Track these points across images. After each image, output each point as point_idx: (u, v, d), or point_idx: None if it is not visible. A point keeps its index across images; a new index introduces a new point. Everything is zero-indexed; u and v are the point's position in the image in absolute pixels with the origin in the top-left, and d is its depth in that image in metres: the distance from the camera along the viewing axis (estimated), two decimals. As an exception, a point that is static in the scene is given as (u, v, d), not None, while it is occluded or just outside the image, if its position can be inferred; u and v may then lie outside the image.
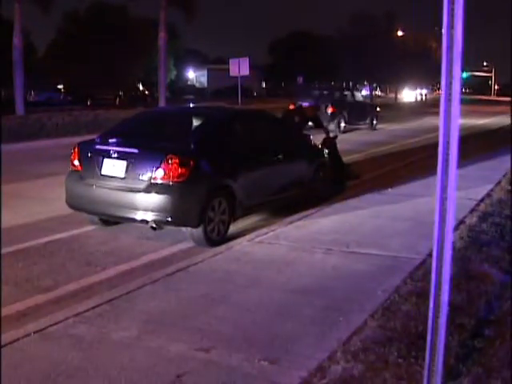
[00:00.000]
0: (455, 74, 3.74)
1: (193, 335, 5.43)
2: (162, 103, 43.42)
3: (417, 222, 9.69)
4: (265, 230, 9.41)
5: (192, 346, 5.20)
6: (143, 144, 9.04)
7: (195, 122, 9.90)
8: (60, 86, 75.87)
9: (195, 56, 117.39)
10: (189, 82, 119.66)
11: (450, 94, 3.75)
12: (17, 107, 35.34)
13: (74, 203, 9.39)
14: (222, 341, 5.32)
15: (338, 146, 13.98)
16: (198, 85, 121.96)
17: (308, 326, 5.67)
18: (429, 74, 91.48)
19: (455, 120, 3.82)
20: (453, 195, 3.87)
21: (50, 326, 5.67)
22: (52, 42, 78.68)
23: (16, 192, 12.82)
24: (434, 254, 3.96)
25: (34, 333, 5.49)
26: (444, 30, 3.60)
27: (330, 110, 28.86)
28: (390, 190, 12.76)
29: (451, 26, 3.60)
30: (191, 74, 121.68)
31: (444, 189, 3.86)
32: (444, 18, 3.60)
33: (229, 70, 37.70)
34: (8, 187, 13.26)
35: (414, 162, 18.27)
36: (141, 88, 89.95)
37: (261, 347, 5.19)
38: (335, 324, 5.66)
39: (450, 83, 3.74)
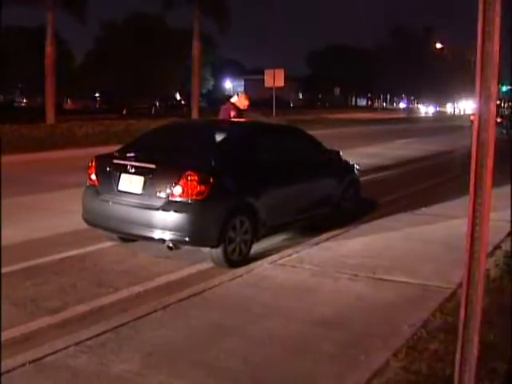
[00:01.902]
0: (491, 93, 3.27)
1: (198, 371, 5.00)
2: (194, 114, 43.28)
3: (451, 247, 9.13)
4: (289, 251, 8.95)
5: (195, 385, 4.77)
6: (162, 159, 8.65)
7: (218, 137, 9.50)
8: (97, 95, 76.43)
9: (233, 66, 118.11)
10: (226, 93, 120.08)
11: (484, 115, 3.28)
12: (47, 115, 35.41)
13: (90, 219, 9.04)
14: (228, 379, 4.88)
15: (368, 160, 13.53)
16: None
17: (325, 364, 5.19)
18: (468, 87, 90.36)
19: (491, 144, 3.36)
20: (486, 227, 3.40)
21: (49, 355, 5.27)
22: (90, 51, 79.45)
23: (38, 203, 12.61)
24: (463, 298, 3.48)
25: (30, 362, 5.10)
26: (478, 43, 3.14)
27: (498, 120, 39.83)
28: (424, 209, 12.23)
29: (487, 38, 3.12)
30: (228, 84, 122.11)
31: (475, 218, 3.40)
32: (478, 29, 3.13)
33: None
34: (31, 198, 13.10)
35: (452, 178, 17.67)
36: (178, 97, 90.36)
37: (270, 389, 4.75)
38: (355, 363, 5.18)
39: (486, 103, 3.28)
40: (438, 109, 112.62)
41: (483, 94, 3.24)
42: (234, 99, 13.03)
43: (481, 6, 3.11)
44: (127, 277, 7.89)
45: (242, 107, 12.78)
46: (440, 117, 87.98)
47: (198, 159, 8.62)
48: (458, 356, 3.47)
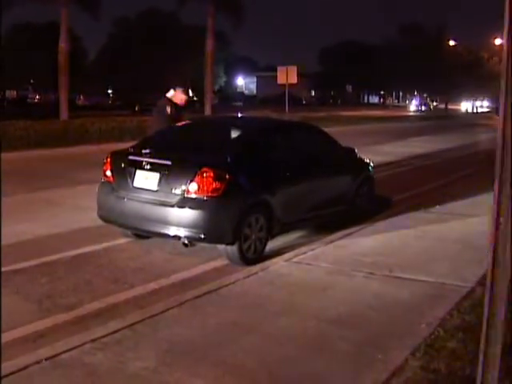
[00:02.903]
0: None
1: (215, 369, 4.97)
2: (207, 111, 43.30)
3: (466, 245, 9.11)
4: (304, 249, 8.90)
5: (213, 383, 4.74)
6: (177, 156, 8.64)
7: (233, 134, 9.48)
8: (109, 91, 76.59)
9: (245, 63, 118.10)
10: (238, 89, 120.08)
11: (509, 113, 3.24)
12: (61, 112, 35.49)
13: (105, 215, 9.03)
14: (245, 378, 4.85)
15: (382, 158, 13.46)
16: (247, 92, 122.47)
17: (342, 363, 5.16)
18: (482, 84, 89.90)
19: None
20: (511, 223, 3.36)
21: (65, 352, 5.25)
22: (103, 47, 79.54)
23: (53, 199, 12.62)
24: (487, 296, 3.44)
25: (46, 359, 5.08)
26: (504, 41, 3.10)
27: None
28: (437, 207, 12.16)
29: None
30: (240, 81, 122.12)
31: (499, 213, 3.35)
32: (505, 26, 3.08)
33: (277, 77, 37.44)
34: (45, 194, 13.14)
35: (463, 177, 17.59)
36: (190, 94, 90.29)
37: (288, 388, 4.72)
38: (372, 362, 5.14)
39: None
40: (426, 106, 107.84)
41: (509, 91, 3.19)
42: (169, 94, 11.93)
43: (507, 3, 3.07)
44: (142, 273, 7.88)
45: (179, 102, 11.84)
46: (452, 114, 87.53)
47: (214, 156, 8.60)
48: (480, 356, 3.43)
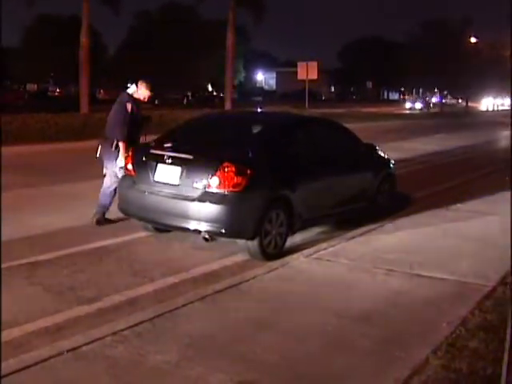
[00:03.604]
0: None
1: (236, 364, 4.98)
2: (228, 105, 43.27)
3: (487, 244, 9.06)
4: (324, 245, 8.89)
5: (234, 378, 4.74)
6: (199, 150, 8.63)
7: (255, 129, 9.47)
8: (129, 85, 76.80)
9: (265, 58, 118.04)
10: (257, 84, 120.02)
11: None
12: (81, 105, 35.67)
13: (126, 209, 9.06)
14: (267, 373, 4.85)
15: (401, 155, 13.37)
16: (266, 87, 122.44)
17: (363, 360, 5.15)
18: (504, 82, 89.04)
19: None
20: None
21: (86, 344, 5.28)
22: (123, 42, 79.78)
23: (72, 193, 12.68)
24: None
25: (68, 351, 5.11)
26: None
27: None
28: (458, 205, 12.09)
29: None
30: (260, 76, 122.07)
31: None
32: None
33: (297, 73, 37.44)
34: (65, 187, 13.20)
35: (485, 175, 17.48)
36: (210, 89, 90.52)
37: (309, 384, 4.71)
38: (393, 360, 5.12)
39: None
40: (424, 105, 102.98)
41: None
42: (131, 90, 10.35)
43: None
44: (162, 267, 7.88)
45: (142, 99, 10.34)
46: (472, 112, 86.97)
47: (235, 150, 8.58)
48: (505, 356, 3.41)
